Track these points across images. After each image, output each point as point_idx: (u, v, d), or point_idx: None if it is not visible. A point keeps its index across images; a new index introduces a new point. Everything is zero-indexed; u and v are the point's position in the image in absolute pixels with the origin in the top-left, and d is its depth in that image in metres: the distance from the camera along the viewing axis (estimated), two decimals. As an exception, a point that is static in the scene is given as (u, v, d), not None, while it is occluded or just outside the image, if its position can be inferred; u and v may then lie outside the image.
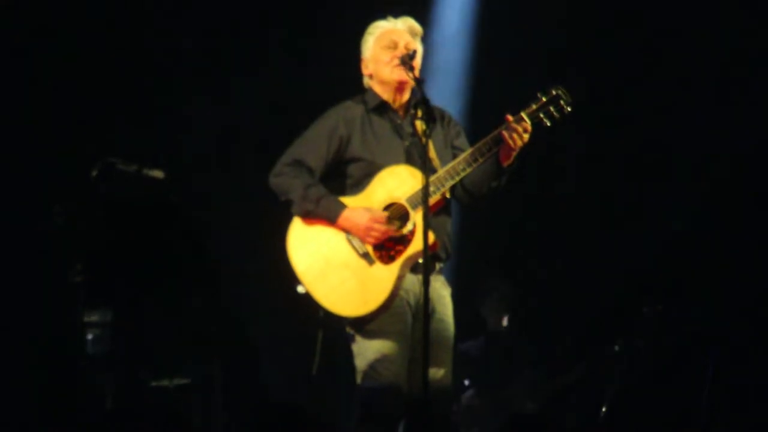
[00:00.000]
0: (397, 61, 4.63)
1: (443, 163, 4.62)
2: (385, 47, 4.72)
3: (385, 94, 4.74)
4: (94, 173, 4.89)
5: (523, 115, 4.52)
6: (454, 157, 4.64)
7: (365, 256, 4.53)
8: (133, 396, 5.64)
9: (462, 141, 4.77)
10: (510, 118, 4.50)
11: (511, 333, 6.74)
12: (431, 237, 4.46)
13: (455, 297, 4.74)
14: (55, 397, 5.47)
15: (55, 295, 5.50)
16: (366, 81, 4.81)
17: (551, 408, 6.23)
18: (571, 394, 6.24)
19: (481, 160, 4.54)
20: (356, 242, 4.54)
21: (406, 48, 4.67)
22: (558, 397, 6.25)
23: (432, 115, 4.66)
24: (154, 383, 5.71)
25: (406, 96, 4.75)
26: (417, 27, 4.78)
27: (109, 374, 5.51)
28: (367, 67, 4.79)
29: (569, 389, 6.25)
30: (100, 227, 5.62)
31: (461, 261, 5.94)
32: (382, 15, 4.81)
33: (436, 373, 4.54)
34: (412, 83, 4.63)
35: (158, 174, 4.96)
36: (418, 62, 4.73)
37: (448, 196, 4.63)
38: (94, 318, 5.52)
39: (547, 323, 6.48)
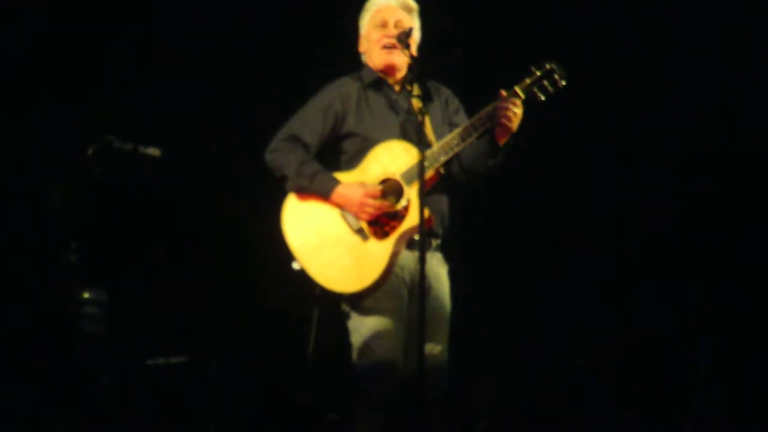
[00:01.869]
0: (387, 41, 4.65)
1: (439, 139, 4.61)
2: (376, 26, 4.74)
3: (378, 70, 4.75)
4: (91, 151, 4.87)
5: (517, 89, 4.50)
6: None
7: (360, 232, 4.53)
8: (129, 374, 5.66)
9: (460, 118, 4.76)
10: (504, 92, 4.49)
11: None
12: (426, 212, 4.47)
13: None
14: (50, 375, 5.47)
15: (50, 273, 5.50)
16: (363, 57, 4.82)
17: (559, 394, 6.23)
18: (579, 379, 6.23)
19: (475, 135, 4.52)
20: (350, 218, 4.53)
21: (397, 26, 4.68)
22: (568, 381, 6.23)
23: (428, 93, 4.68)
24: (149, 362, 5.73)
25: (402, 72, 4.75)
26: (411, 3, 4.78)
27: (105, 353, 5.52)
28: (362, 44, 4.81)
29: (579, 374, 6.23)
30: (96, 206, 5.64)
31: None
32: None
33: (432, 350, 4.54)
34: (407, 61, 4.61)
35: (155, 152, 4.94)
36: (416, 37, 4.74)
37: (442, 172, 4.62)
38: (89, 296, 5.53)
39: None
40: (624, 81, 6.22)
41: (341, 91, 4.71)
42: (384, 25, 4.71)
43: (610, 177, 6.36)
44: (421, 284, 4.19)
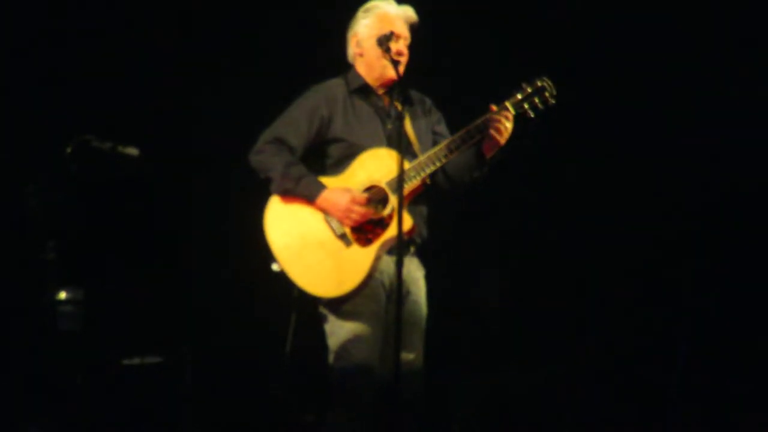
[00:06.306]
0: (399, 58, 4.57)
1: (424, 148, 4.64)
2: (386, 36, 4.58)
3: (369, 77, 4.72)
4: (68, 150, 4.85)
5: (508, 104, 4.53)
6: (435, 143, 4.66)
7: (343, 237, 4.53)
8: (104, 374, 5.64)
9: (442, 128, 4.80)
10: (494, 107, 4.53)
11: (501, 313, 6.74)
12: (410, 221, 4.52)
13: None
14: (26, 374, 5.45)
15: (27, 272, 5.47)
16: (351, 57, 4.78)
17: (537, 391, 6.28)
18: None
19: (463, 148, 4.55)
20: (334, 223, 4.54)
21: (405, 41, 4.66)
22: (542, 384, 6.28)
23: (408, 97, 4.70)
24: (125, 362, 5.72)
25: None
26: (414, 17, 4.72)
27: (81, 352, 5.50)
28: (359, 44, 4.73)
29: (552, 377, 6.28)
30: (74, 205, 5.61)
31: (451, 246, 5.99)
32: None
33: (408, 355, 4.57)
34: (391, 68, 4.59)
35: (133, 151, 4.93)
36: (404, 42, 4.69)
37: (428, 182, 4.65)
38: (65, 296, 5.50)
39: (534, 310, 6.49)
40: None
41: (327, 95, 4.68)
42: (396, 38, 4.62)
43: (586, 180, 6.42)
44: (398, 290, 4.22)
